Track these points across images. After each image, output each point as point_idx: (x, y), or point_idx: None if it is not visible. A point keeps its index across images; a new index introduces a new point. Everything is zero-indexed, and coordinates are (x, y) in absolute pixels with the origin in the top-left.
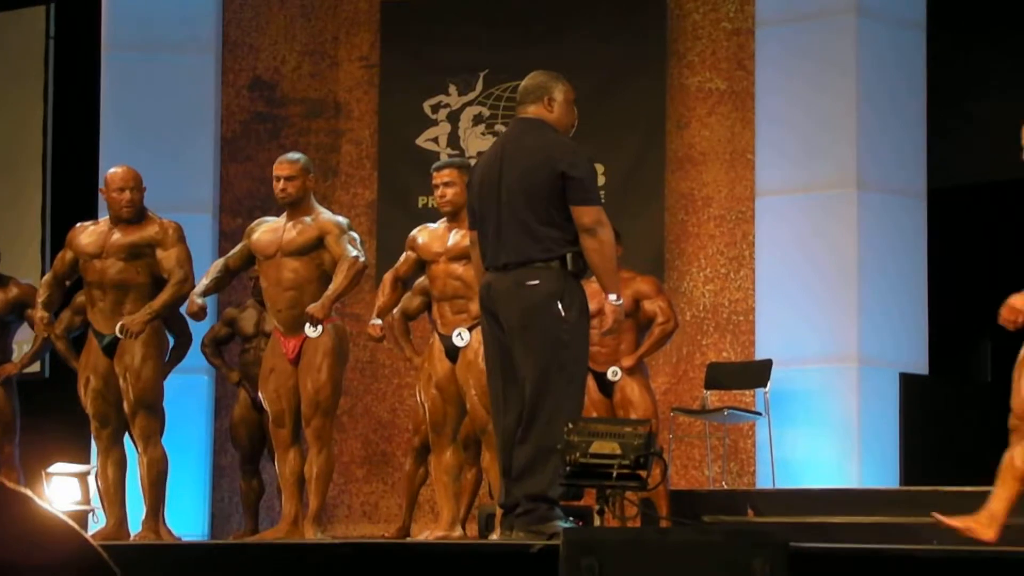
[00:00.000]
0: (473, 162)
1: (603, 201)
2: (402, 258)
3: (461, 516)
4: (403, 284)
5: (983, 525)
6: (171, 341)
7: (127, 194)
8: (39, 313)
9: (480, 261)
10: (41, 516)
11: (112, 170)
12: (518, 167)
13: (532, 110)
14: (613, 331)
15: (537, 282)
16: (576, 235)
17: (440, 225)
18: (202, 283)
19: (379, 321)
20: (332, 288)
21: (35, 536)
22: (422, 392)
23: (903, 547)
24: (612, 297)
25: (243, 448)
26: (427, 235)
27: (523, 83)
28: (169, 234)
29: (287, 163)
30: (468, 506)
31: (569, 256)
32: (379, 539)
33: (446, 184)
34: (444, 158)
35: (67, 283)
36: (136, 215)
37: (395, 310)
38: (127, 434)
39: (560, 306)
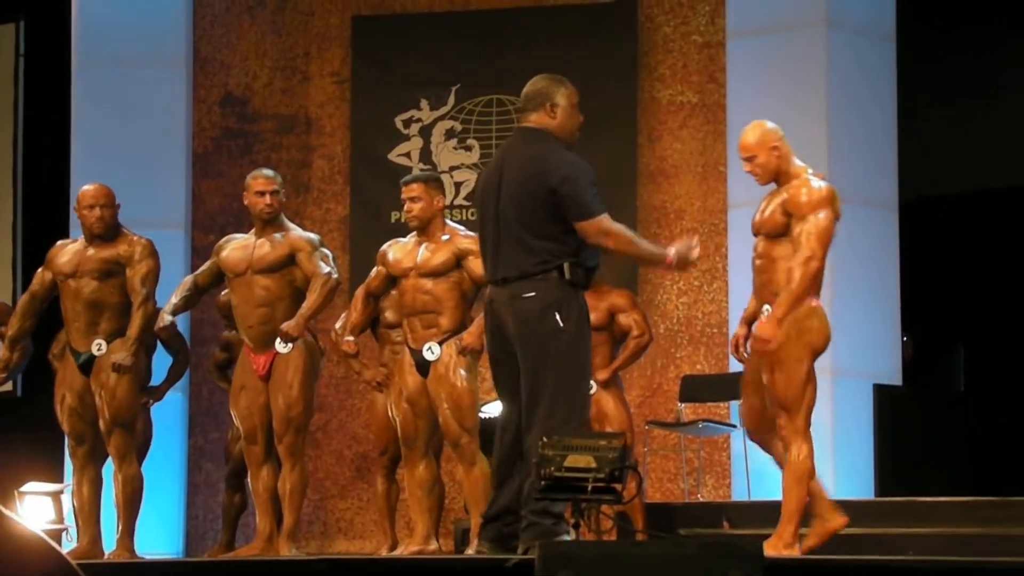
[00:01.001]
0: (444, 176)
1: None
2: (373, 273)
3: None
4: (375, 299)
5: (831, 520)
6: (164, 360)
7: (96, 211)
8: (2, 352)
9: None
10: (17, 532)
11: (84, 188)
12: (514, 180)
13: (534, 118)
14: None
15: (533, 294)
16: (575, 247)
17: (410, 240)
18: (171, 302)
19: (352, 338)
20: (306, 306)
21: (10, 552)
22: (393, 407)
23: (878, 558)
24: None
25: (234, 461)
26: (396, 250)
27: (525, 89)
28: (138, 251)
29: (268, 178)
30: (436, 520)
31: (567, 266)
32: (355, 556)
33: (412, 199)
34: (416, 173)
35: (45, 304)
36: (109, 232)
37: (338, 325)
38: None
39: (557, 316)
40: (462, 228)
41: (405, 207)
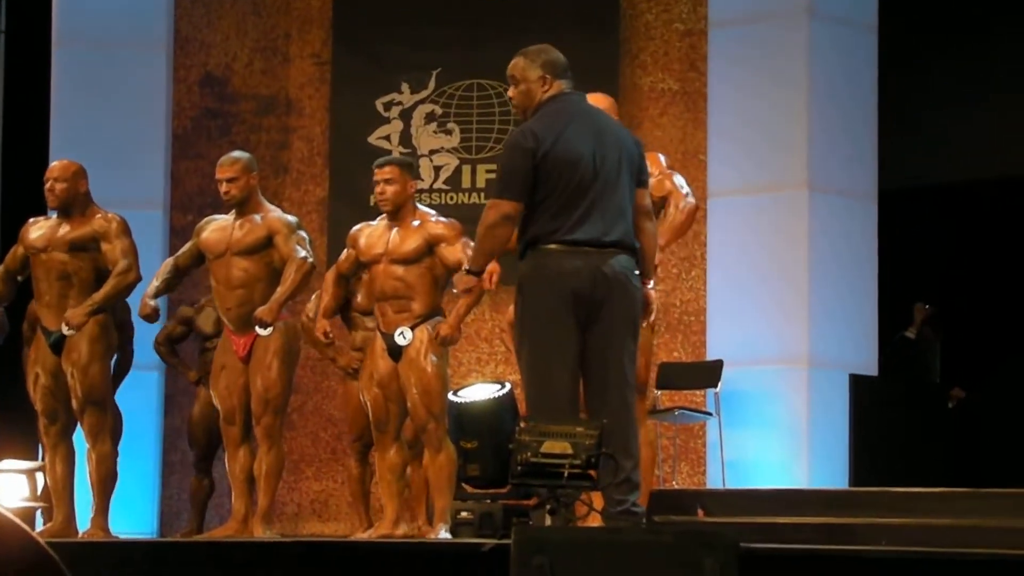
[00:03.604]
0: (423, 160)
1: None
2: (343, 255)
3: (416, 513)
4: (346, 281)
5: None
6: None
7: (48, 184)
8: None
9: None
10: None
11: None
12: (614, 141)
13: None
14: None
15: (637, 273)
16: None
17: (380, 224)
18: (152, 285)
19: (326, 321)
20: (280, 291)
21: None
22: (364, 391)
23: (852, 547)
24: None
25: (199, 446)
26: (367, 236)
27: (555, 55)
28: (113, 227)
29: (227, 164)
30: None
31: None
32: (330, 538)
33: (387, 181)
34: (391, 156)
35: (19, 278)
36: (72, 208)
37: (310, 308)
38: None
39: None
40: (433, 213)
41: (378, 188)
